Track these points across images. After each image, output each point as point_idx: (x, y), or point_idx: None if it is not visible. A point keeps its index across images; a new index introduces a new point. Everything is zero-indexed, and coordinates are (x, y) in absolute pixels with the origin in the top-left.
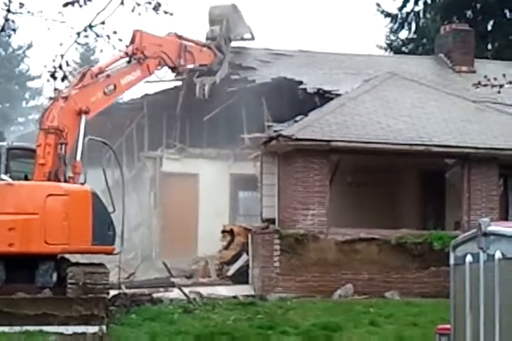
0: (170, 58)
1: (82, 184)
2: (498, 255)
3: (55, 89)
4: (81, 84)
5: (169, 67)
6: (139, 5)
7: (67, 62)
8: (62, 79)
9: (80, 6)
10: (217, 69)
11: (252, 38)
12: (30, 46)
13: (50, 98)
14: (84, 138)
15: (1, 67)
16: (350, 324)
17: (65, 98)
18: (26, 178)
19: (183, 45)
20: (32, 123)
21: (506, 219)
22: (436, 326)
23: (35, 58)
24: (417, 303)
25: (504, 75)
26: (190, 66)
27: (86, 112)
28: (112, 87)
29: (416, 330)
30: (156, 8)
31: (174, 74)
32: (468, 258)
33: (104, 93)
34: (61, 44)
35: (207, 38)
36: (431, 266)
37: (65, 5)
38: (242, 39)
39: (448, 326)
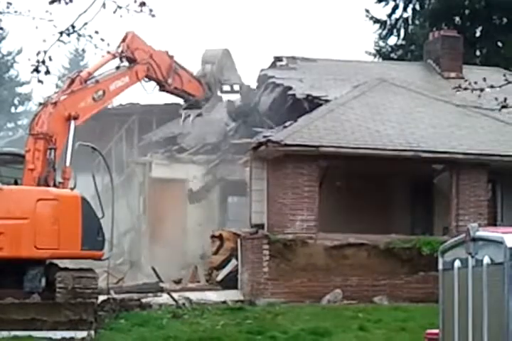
0: (160, 70)
1: (72, 189)
2: (486, 260)
3: (39, 81)
4: (70, 90)
5: (157, 83)
6: (120, 7)
7: (50, 58)
8: (46, 73)
9: (66, 3)
10: (203, 104)
11: (241, 89)
12: (19, 52)
13: (40, 104)
14: (73, 143)
15: None
16: (338, 329)
17: (55, 104)
18: (16, 183)
19: (173, 64)
20: (21, 129)
21: (495, 225)
22: (425, 331)
23: (25, 64)
24: (405, 308)
25: (485, 79)
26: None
27: (75, 118)
28: (100, 92)
29: (405, 335)
30: (141, 6)
31: (161, 91)
32: (457, 263)
33: (93, 99)
34: (44, 40)
35: (198, 76)
36: (419, 271)
37: (51, 2)
38: (232, 89)
39: (436, 331)
